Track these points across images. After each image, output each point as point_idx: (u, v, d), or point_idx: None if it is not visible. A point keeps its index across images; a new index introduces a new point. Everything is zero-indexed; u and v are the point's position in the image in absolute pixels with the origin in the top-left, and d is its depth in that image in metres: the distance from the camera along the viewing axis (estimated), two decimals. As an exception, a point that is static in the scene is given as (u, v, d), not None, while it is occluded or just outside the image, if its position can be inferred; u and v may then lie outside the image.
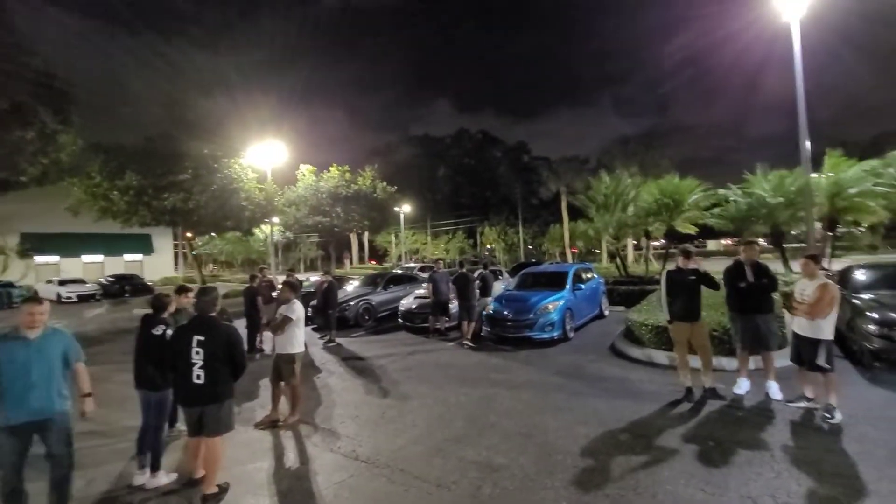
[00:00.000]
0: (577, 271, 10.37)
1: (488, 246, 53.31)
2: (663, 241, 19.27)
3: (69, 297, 22.43)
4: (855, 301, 6.55)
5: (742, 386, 5.35)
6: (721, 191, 16.39)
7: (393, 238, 52.07)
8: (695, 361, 5.47)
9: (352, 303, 11.78)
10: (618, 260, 18.78)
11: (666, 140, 42.92)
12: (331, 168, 31.44)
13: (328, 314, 9.84)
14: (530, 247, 52.85)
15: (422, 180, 57.54)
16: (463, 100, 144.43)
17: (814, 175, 13.26)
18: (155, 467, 3.89)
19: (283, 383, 5.33)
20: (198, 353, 3.55)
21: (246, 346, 5.19)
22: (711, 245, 60.38)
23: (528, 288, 10.09)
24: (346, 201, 30.47)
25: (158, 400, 4.02)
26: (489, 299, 9.74)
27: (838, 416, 4.41)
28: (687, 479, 3.54)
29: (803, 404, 4.82)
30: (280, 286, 6.58)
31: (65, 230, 27.04)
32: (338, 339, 9.82)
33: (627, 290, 12.81)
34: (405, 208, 40.48)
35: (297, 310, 5.34)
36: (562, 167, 45.60)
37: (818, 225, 14.16)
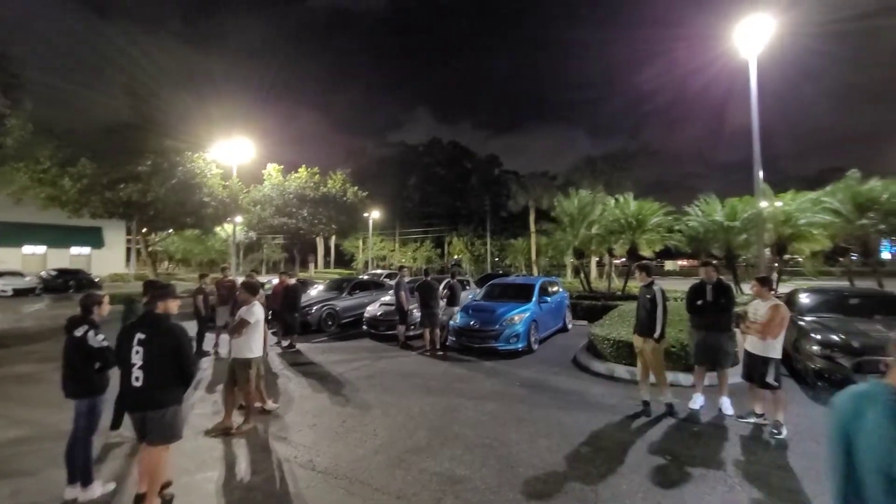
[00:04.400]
0: (543, 284, 10.51)
1: (455, 256, 53.47)
2: (624, 259, 19.87)
3: (4, 291, 20.83)
4: (800, 323, 6.93)
5: (697, 401, 5.52)
6: (686, 208, 17.11)
7: (360, 244, 51.40)
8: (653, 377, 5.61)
9: (315, 307, 11.47)
10: (581, 275, 19.18)
11: (633, 162, 44.36)
12: (300, 169, 30.79)
13: (292, 317, 9.53)
14: (497, 258, 53.40)
15: (392, 187, 57.25)
16: (442, 110, 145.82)
17: (764, 204, 14.06)
18: (86, 480, 3.56)
19: (237, 389, 5.09)
20: (137, 352, 3.27)
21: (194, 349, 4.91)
22: (669, 265, 62.90)
23: (494, 299, 10.14)
24: (313, 203, 29.86)
25: (86, 408, 3.65)
26: (456, 309, 9.71)
27: (784, 432, 4.62)
28: (645, 492, 3.60)
29: (753, 420, 5.04)
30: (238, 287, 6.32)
31: (4, 219, 25.15)
32: (298, 345, 9.53)
33: (590, 305, 13.09)
34: (374, 214, 40.13)
35: (256, 312, 5.12)
36: (531, 182, 46.43)
37: (767, 251, 15.00)
